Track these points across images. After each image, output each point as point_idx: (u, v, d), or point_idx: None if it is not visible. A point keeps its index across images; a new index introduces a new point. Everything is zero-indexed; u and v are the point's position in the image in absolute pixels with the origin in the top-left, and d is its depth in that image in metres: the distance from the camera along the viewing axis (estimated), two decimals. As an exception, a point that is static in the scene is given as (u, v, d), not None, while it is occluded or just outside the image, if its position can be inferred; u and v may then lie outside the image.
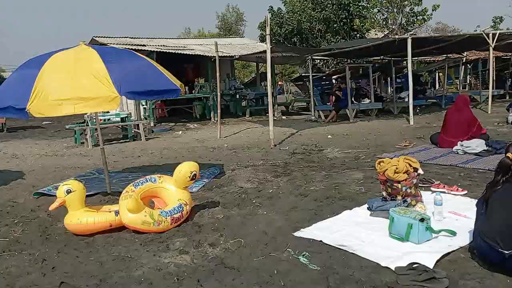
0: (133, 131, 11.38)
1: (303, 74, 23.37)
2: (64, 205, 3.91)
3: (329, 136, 9.72)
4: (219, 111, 11.06)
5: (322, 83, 15.71)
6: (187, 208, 4.14)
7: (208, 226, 4.00)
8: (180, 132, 12.46)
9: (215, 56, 10.93)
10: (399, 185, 4.01)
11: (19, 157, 9.16)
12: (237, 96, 16.99)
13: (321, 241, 3.41)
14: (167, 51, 14.52)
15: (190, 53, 14.92)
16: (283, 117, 15.32)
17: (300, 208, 4.37)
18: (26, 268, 3.24)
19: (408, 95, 11.56)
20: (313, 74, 15.28)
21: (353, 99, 13.31)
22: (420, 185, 4.42)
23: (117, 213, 3.92)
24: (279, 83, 24.47)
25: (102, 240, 3.72)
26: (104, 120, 11.23)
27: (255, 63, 18.96)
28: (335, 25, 24.88)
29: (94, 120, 10.70)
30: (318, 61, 24.54)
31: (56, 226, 4.22)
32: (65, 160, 8.56)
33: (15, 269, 3.24)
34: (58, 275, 3.07)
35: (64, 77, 4.29)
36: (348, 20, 24.71)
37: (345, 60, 19.85)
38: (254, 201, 4.71)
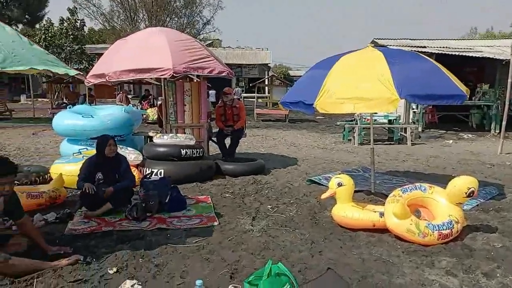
0: (399, 134, 11.19)
1: None
2: (334, 196, 4.20)
3: None
4: (504, 122, 9.52)
5: None
6: (458, 226, 3.74)
7: (481, 252, 3.50)
8: (451, 141, 11.44)
9: (508, 59, 9.40)
10: None
11: (296, 146, 10.43)
12: (530, 107, 14.19)
13: None
14: (449, 53, 13.47)
15: (477, 55, 13.37)
16: None
17: None
18: (298, 245, 3.65)
19: None
20: None
21: None
22: None
23: (381, 214, 3.92)
24: None
25: (364, 238, 3.81)
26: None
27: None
28: None
29: (363, 119, 11.09)
30: None
31: (323, 213, 4.59)
32: (333, 154, 9.20)
33: (289, 243, 3.70)
34: (324, 260, 3.32)
35: (349, 78, 4.56)
36: None
37: None
38: (547, 238, 3.83)
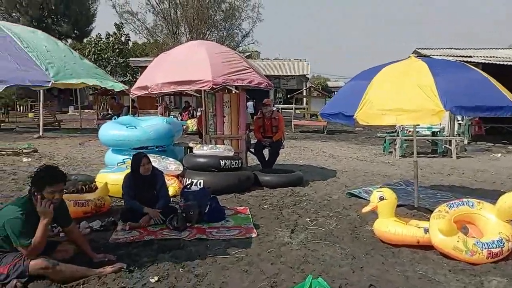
0: (443, 146, 10.80)
1: None
2: (375, 211, 4.09)
3: None
4: (558, 135, 8.99)
5: None
6: (509, 244, 3.54)
7: (536, 273, 3.29)
8: (499, 154, 10.90)
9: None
10: None
11: (335, 157, 10.29)
12: None
13: None
14: (497, 62, 12.92)
15: (525, 65, 12.74)
16: None
17: None
18: (338, 260, 3.57)
19: None
20: None
21: None
22: None
23: (426, 230, 3.78)
24: None
25: (408, 254, 3.68)
26: (413, 132, 11.12)
27: None
28: None
29: (405, 131, 10.80)
30: None
31: (364, 228, 4.48)
32: (373, 166, 8.99)
33: (328, 258, 3.64)
34: (365, 276, 3.23)
35: (391, 89, 4.46)
36: None
37: None
38: None
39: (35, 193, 3.10)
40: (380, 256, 3.67)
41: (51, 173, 3.19)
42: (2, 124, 17.96)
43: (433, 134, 11.12)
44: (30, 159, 9.15)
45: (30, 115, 21.56)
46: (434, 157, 10.47)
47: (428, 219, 3.88)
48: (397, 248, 3.81)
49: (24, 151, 9.90)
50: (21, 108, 24.98)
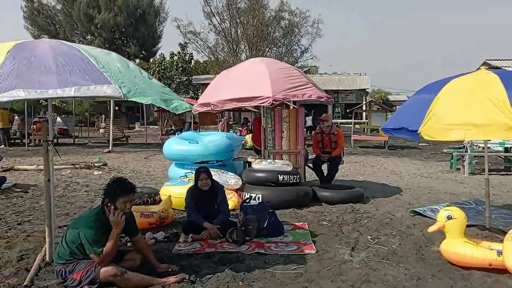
0: (518, 163, 10.03)
1: None
2: (442, 230, 3.89)
3: None
4: None
5: None
6: None
7: None
8: None
9: None
10: None
11: (397, 174, 9.91)
12: None
13: None
14: None
15: None
16: None
17: None
18: (402, 281, 3.43)
19: None
20: None
21: None
22: None
23: (499, 253, 3.53)
24: None
25: (479, 278, 3.45)
26: (483, 148, 10.44)
27: None
28: None
29: (474, 147, 10.17)
30: None
31: (430, 248, 4.26)
32: (439, 183, 8.55)
33: (392, 278, 3.50)
34: (432, 299, 3.07)
35: (459, 102, 4.25)
36: None
37: None
38: None
39: (108, 204, 3.30)
40: (448, 278, 3.47)
41: (122, 184, 3.39)
42: (76, 139, 19.34)
43: (506, 150, 10.39)
44: (101, 172, 9.75)
45: (101, 130, 23.02)
46: (508, 174, 9.75)
47: (501, 241, 3.64)
48: (467, 271, 3.58)
49: (96, 164, 10.58)
50: (94, 124, 26.75)
